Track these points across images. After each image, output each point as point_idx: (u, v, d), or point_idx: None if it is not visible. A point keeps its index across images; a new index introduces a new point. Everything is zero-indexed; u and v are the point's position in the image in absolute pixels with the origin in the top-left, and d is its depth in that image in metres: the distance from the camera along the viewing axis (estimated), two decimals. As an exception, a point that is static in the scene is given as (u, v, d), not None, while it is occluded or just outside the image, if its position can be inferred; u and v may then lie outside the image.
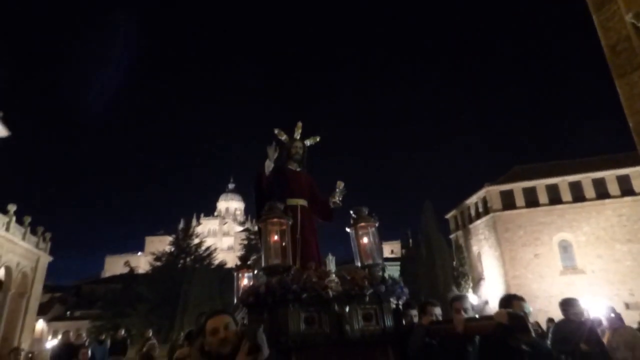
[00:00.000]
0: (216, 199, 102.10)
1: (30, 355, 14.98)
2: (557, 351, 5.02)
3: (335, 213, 5.41)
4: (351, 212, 4.71)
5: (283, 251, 4.16)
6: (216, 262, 39.05)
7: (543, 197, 29.83)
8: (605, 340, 6.42)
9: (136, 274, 42.36)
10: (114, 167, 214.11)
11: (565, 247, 28.66)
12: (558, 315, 6.06)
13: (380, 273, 4.40)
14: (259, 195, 5.20)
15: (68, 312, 46.87)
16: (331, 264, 4.10)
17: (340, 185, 5.37)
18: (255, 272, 5.19)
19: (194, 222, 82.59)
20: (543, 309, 22.50)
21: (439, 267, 29.65)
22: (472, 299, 27.78)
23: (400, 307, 4.31)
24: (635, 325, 10.23)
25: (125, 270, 42.24)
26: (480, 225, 32.29)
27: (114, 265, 76.07)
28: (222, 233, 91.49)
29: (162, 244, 58.19)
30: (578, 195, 29.05)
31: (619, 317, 7.02)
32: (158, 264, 36.40)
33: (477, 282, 31.91)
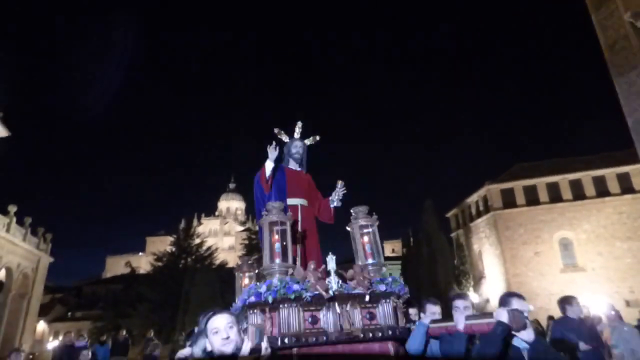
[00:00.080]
0: (217, 199, 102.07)
1: (31, 356, 14.97)
2: (557, 349, 5.04)
3: (335, 213, 5.43)
4: (351, 211, 4.72)
5: (284, 251, 4.18)
6: (217, 262, 39.03)
7: (543, 195, 29.84)
8: (604, 337, 6.45)
9: (137, 274, 42.45)
10: (115, 167, 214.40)
11: (565, 245, 28.67)
12: (558, 313, 6.09)
13: (381, 272, 4.42)
14: (259, 194, 5.22)
15: (69, 313, 46.92)
16: (331, 263, 4.10)
17: (341, 184, 5.38)
18: (257, 271, 5.20)
19: (195, 222, 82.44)
20: (544, 306, 22.48)
21: (440, 265, 29.64)
22: (473, 297, 27.80)
23: (401, 305, 4.32)
24: (634, 323, 10.24)
25: (126, 270, 42.40)
26: (481, 224, 32.31)
27: (115, 266, 76.13)
28: (223, 233, 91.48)
29: (163, 244, 58.19)
30: (578, 193, 29.06)
31: (618, 315, 7.05)
32: (159, 264, 36.39)
33: (478, 280, 31.92)
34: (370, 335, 3.83)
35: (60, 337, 27.39)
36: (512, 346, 2.95)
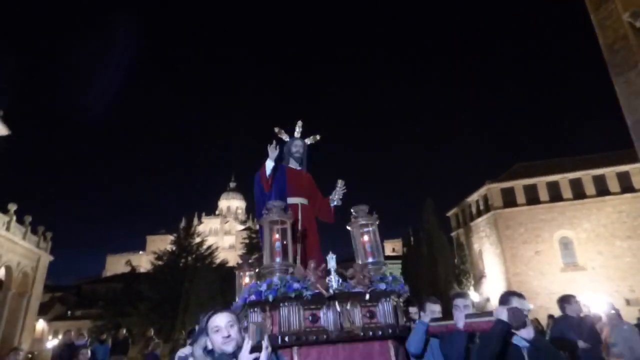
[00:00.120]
0: (217, 198, 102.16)
1: (30, 355, 14.89)
2: (557, 347, 5.05)
3: (336, 212, 5.44)
4: (352, 210, 4.73)
5: (284, 249, 4.19)
6: (218, 261, 39.02)
7: (544, 195, 29.84)
8: (603, 336, 6.47)
9: (137, 273, 42.38)
10: (115, 165, 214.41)
11: (565, 244, 28.69)
12: (559, 312, 6.10)
13: (381, 271, 4.43)
14: (260, 194, 5.23)
15: (69, 312, 46.87)
16: (332, 261, 4.11)
17: (341, 183, 5.39)
18: (257, 270, 5.22)
19: (196, 220, 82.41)
20: (544, 305, 22.49)
21: (440, 264, 29.66)
22: (473, 296, 27.83)
23: (401, 304, 4.33)
24: (634, 322, 10.27)
25: (127, 269, 42.35)
26: (481, 223, 32.32)
27: (115, 265, 76.09)
28: (223, 232, 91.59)
29: (163, 242, 58.23)
30: (578, 193, 29.07)
31: (617, 314, 7.07)
32: (159, 263, 36.37)
33: (478, 279, 31.94)
34: (371, 333, 3.84)
35: (60, 336, 27.35)
36: (512, 345, 2.96)
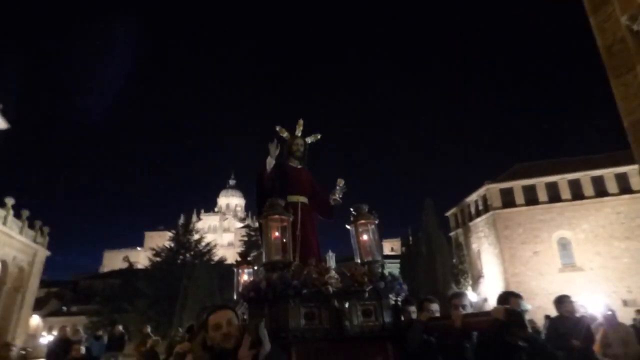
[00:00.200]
0: (217, 195, 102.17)
1: (24, 351, 14.77)
2: (552, 347, 5.09)
3: (335, 210, 5.44)
4: (351, 209, 4.74)
5: (283, 247, 4.20)
6: (216, 258, 39.05)
7: (542, 195, 29.85)
8: (599, 336, 6.49)
9: (135, 269, 42.32)
10: (114, 161, 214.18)
11: (564, 245, 28.70)
12: (555, 313, 6.13)
13: (380, 270, 4.44)
14: (259, 191, 5.22)
15: (64, 308, 46.73)
16: (331, 260, 4.13)
17: (341, 182, 5.40)
18: (256, 268, 5.23)
19: (194, 217, 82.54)
20: (542, 306, 22.44)
21: (439, 264, 29.71)
22: (472, 296, 27.85)
23: (399, 303, 4.35)
24: (630, 322, 10.31)
25: (124, 265, 42.26)
26: (480, 223, 32.34)
27: (113, 261, 76.01)
28: (222, 229, 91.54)
29: (161, 239, 58.14)
30: (577, 193, 29.08)
31: (613, 315, 7.11)
32: (157, 259, 36.39)
33: (476, 279, 31.98)
34: (369, 332, 3.86)
35: (54, 332, 27.25)
36: (509, 344, 2.98)
